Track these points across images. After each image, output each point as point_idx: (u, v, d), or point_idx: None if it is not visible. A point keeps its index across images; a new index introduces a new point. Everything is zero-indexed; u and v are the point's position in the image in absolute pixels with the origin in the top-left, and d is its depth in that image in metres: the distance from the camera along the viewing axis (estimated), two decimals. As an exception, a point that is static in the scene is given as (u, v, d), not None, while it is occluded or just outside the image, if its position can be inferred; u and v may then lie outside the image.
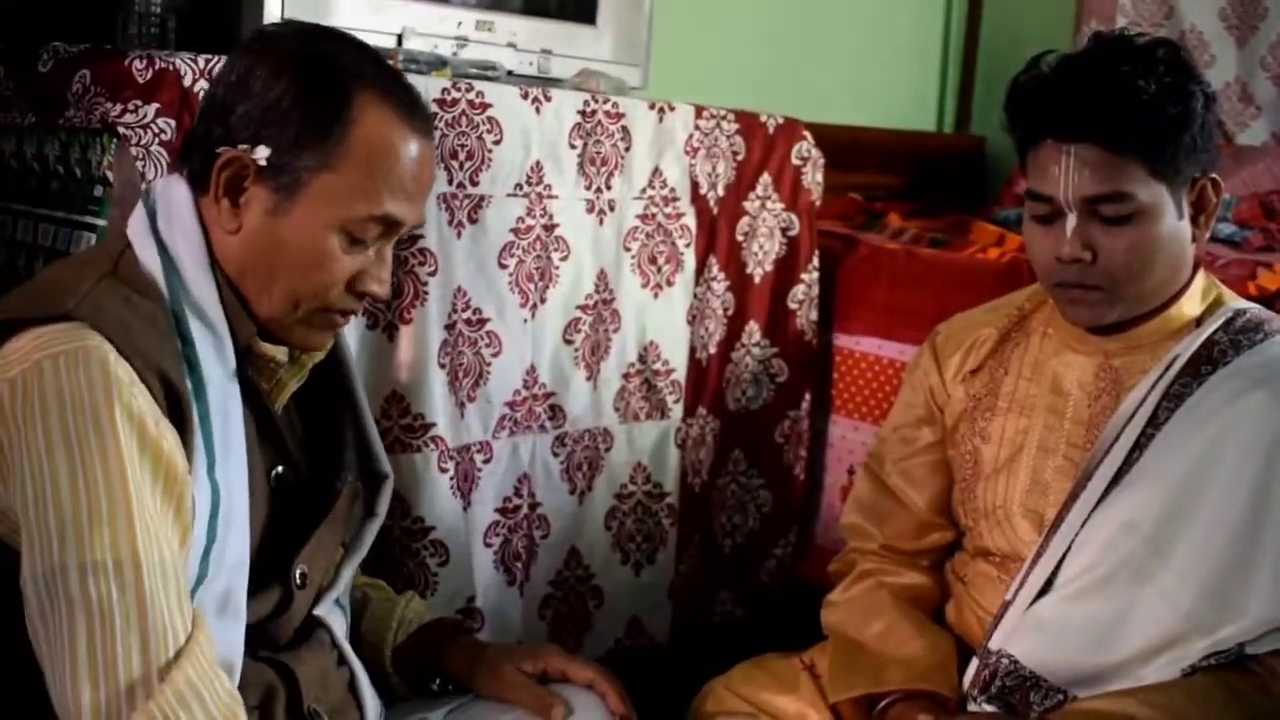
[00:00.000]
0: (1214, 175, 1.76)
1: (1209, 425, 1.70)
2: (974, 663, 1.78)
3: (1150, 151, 1.68)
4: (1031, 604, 1.75)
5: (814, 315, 2.81)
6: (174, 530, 1.27)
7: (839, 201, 3.57)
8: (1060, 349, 1.86)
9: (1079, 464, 1.79)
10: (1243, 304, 1.83)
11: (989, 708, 1.74)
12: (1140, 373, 1.79)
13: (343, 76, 1.40)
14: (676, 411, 2.56)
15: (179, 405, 1.30)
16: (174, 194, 1.43)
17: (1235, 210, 3.58)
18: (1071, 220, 1.71)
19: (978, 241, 3.25)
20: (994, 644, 1.76)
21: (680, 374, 2.56)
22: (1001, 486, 1.86)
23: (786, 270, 2.75)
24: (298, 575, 1.48)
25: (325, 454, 1.55)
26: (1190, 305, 1.81)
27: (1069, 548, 1.74)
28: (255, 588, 1.41)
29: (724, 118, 2.59)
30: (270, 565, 1.45)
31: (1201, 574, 1.66)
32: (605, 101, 2.35)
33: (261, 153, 1.37)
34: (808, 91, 3.68)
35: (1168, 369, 1.76)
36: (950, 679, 1.79)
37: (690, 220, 2.54)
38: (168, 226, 1.40)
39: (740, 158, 2.63)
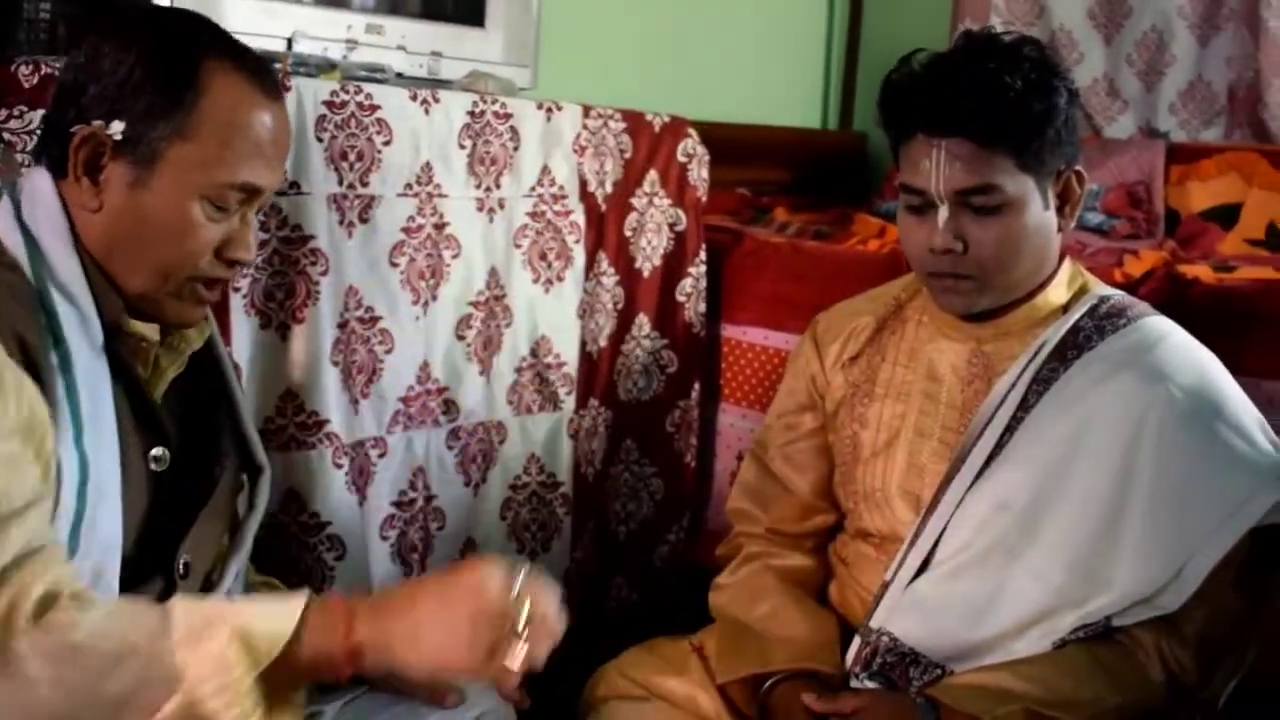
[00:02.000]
0: (1078, 168, 1.78)
1: (1076, 408, 1.72)
2: (856, 641, 1.79)
3: (1017, 145, 1.70)
4: (910, 583, 1.76)
5: (702, 307, 2.81)
6: (32, 466, 1.21)
7: (728, 197, 3.58)
8: (934, 336, 1.87)
9: (953, 447, 1.80)
10: (1107, 291, 1.86)
11: (870, 684, 1.75)
12: (1010, 358, 1.80)
13: (189, 48, 1.39)
14: (569, 403, 2.55)
15: (39, 374, 1.28)
16: (36, 182, 1.41)
17: (1103, 200, 3.63)
18: (943, 212, 1.72)
19: (860, 234, 3.27)
20: (874, 622, 1.76)
21: (572, 367, 2.55)
22: (880, 470, 1.86)
23: (674, 264, 2.74)
24: (181, 565, 1.45)
25: (204, 445, 1.52)
26: (1057, 293, 1.82)
27: (945, 528, 1.75)
28: (138, 579, 1.38)
29: (611, 117, 2.57)
30: (152, 556, 1.42)
31: (1070, 550, 1.67)
32: (494, 102, 2.33)
33: (116, 127, 1.36)
34: (696, 91, 3.67)
35: (1036, 354, 1.78)
36: (834, 658, 1.80)
37: (579, 217, 2.52)
38: (30, 212, 1.38)
39: (627, 156, 2.62)
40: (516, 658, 1.30)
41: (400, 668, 1.29)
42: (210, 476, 1.51)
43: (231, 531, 1.58)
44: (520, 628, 1.30)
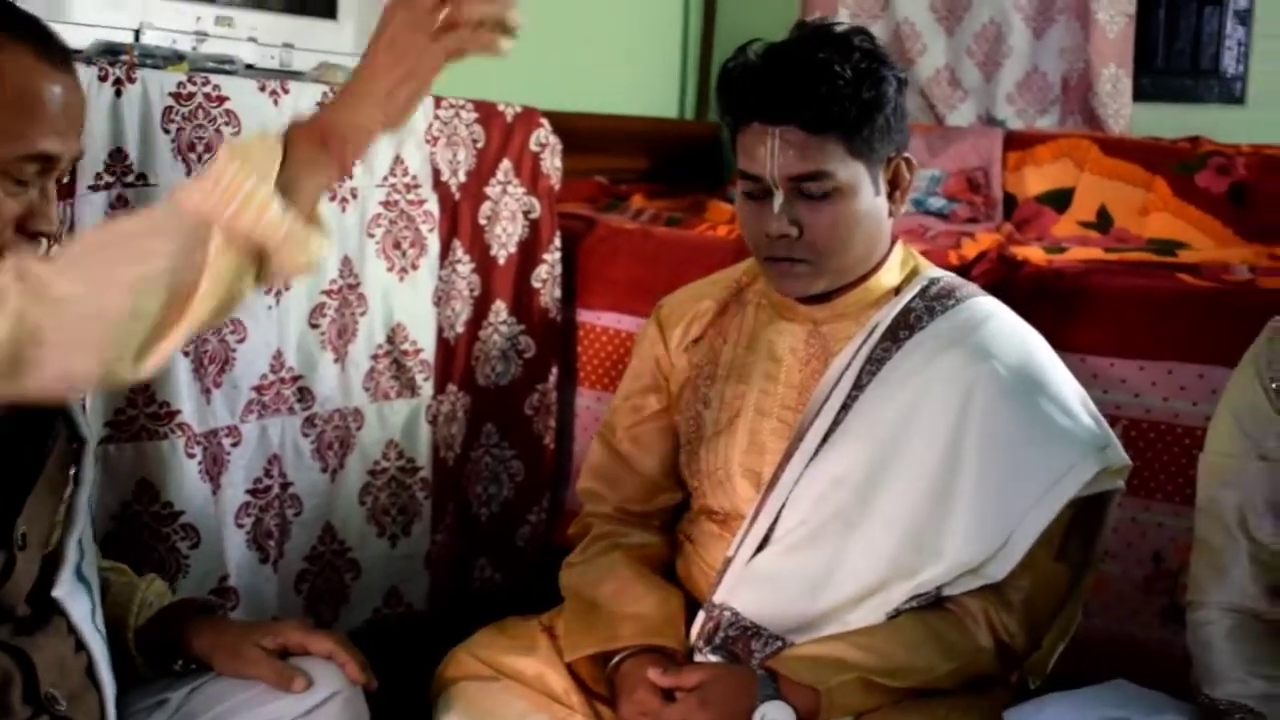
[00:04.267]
0: (907, 154, 1.78)
1: (908, 385, 1.72)
2: (700, 616, 1.78)
3: (847, 132, 1.69)
4: (751, 559, 1.75)
5: (557, 293, 2.80)
6: None
7: (586, 185, 3.56)
8: (773, 318, 1.87)
9: (793, 425, 1.79)
10: (938, 273, 1.86)
11: (714, 658, 1.74)
12: (846, 339, 1.80)
13: None
14: (427, 389, 2.52)
15: None
16: None
17: (944, 185, 3.66)
18: (778, 198, 1.71)
19: (711, 220, 3.27)
20: (718, 598, 1.75)
21: (429, 353, 2.52)
22: (722, 448, 1.85)
23: (529, 251, 2.73)
24: (19, 536, 1.39)
25: (33, 420, 1.46)
26: (889, 275, 1.82)
27: (784, 504, 1.74)
28: None
29: (463, 108, 2.55)
30: None
31: (903, 523, 1.68)
32: (344, 93, 2.28)
33: None
34: (554, 82, 3.64)
35: (870, 335, 1.78)
36: (679, 633, 1.79)
37: (433, 206, 2.50)
38: None
39: (480, 146, 2.59)
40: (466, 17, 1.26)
41: (382, 117, 1.26)
42: (42, 448, 1.45)
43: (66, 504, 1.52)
44: None
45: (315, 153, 1.24)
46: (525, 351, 2.75)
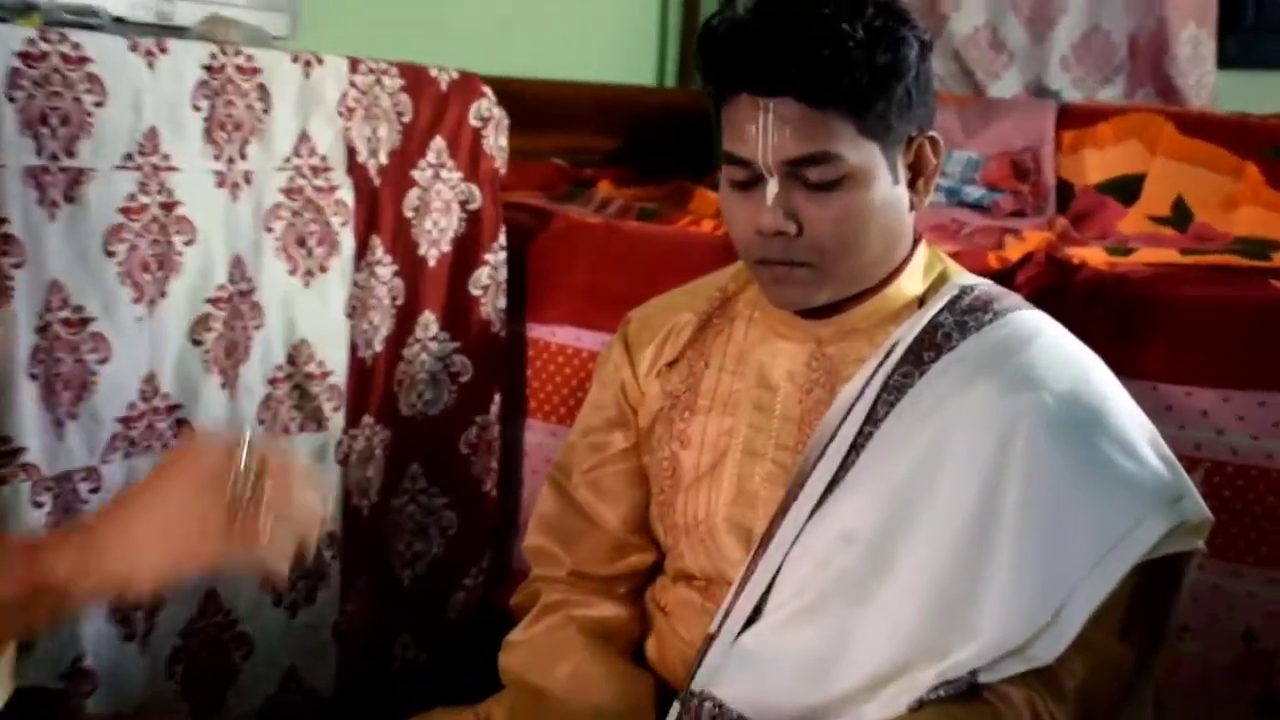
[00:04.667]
0: (932, 134, 1.78)
1: (932, 420, 1.71)
2: (674, 708, 1.77)
3: (858, 106, 1.69)
4: (739, 635, 1.74)
5: (501, 302, 2.79)
6: None
7: (539, 168, 3.57)
8: (767, 336, 1.86)
9: (790, 469, 1.79)
10: (971, 279, 1.86)
11: (692, 760, 1.73)
12: (856, 361, 1.80)
13: None
14: (336, 421, 2.52)
15: None
16: None
17: (984, 171, 3.68)
18: (772, 187, 1.71)
19: (695, 212, 3.28)
20: (697, 684, 1.75)
21: (339, 377, 2.52)
22: (704, 498, 1.85)
23: (467, 251, 2.73)
24: None
25: None
26: (911, 282, 1.82)
27: (780, 567, 1.74)
28: None
29: (385, 73, 2.55)
30: None
31: (926, 591, 1.67)
32: (237, 54, 2.29)
33: None
34: (499, 41, 3.65)
35: (887, 357, 1.77)
36: (648, 730, 1.78)
37: (347, 194, 2.49)
38: None
39: (407, 119, 2.59)
40: (263, 528, 1.29)
41: (124, 585, 1.28)
42: None
43: None
44: (252, 490, 1.29)
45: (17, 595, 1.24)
46: (460, 374, 2.75)
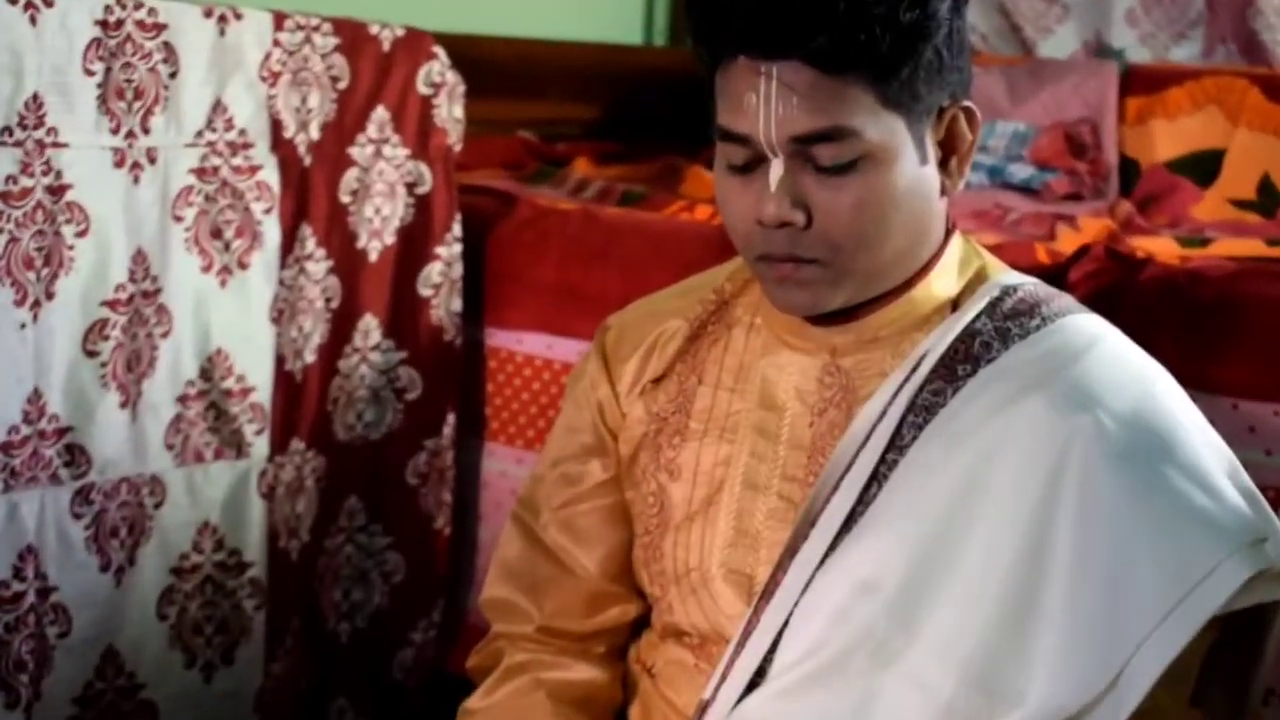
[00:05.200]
0: (968, 104, 1.78)
1: (968, 445, 1.71)
2: (662, 790, 1.78)
3: (879, 72, 1.69)
4: (739, 702, 1.74)
5: (457, 304, 2.81)
6: None
7: (503, 144, 3.58)
8: (771, 347, 1.86)
9: (799, 505, 1.79)
10: (1014, 278, 1.86)
11: None
12: (878, 376, 1.79)
13: None
14: (259, 447, 2.53)
15: None
16: None
17: (1033, 146, 3.69)
18: (776, 169, 1.71)
19: (689, 195, 3.28)
20: (689, 761, 1.75)
21: (263, 394, 2.53)
22: (696, 540, 1.85)
23: (415, 243, 2.74)
24: None
25: None
26: (943, 282, 1.82)
27: (787, 621, 1.74)
28: None
29: (317, 29, 2.56)
30: None
31: (964, 650, 1.67)
32: (138, 7, 2.29)
33: None
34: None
35: (914, 371, 1.77)
36: (630, 816, 1.79)
37: (271, 175, 2.51)
38: None
39: (343, 85, 2.61)
40: None
41: None
42: None
43: None
44: None
45: None
46: (408, 390, 2.76)
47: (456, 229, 2.78)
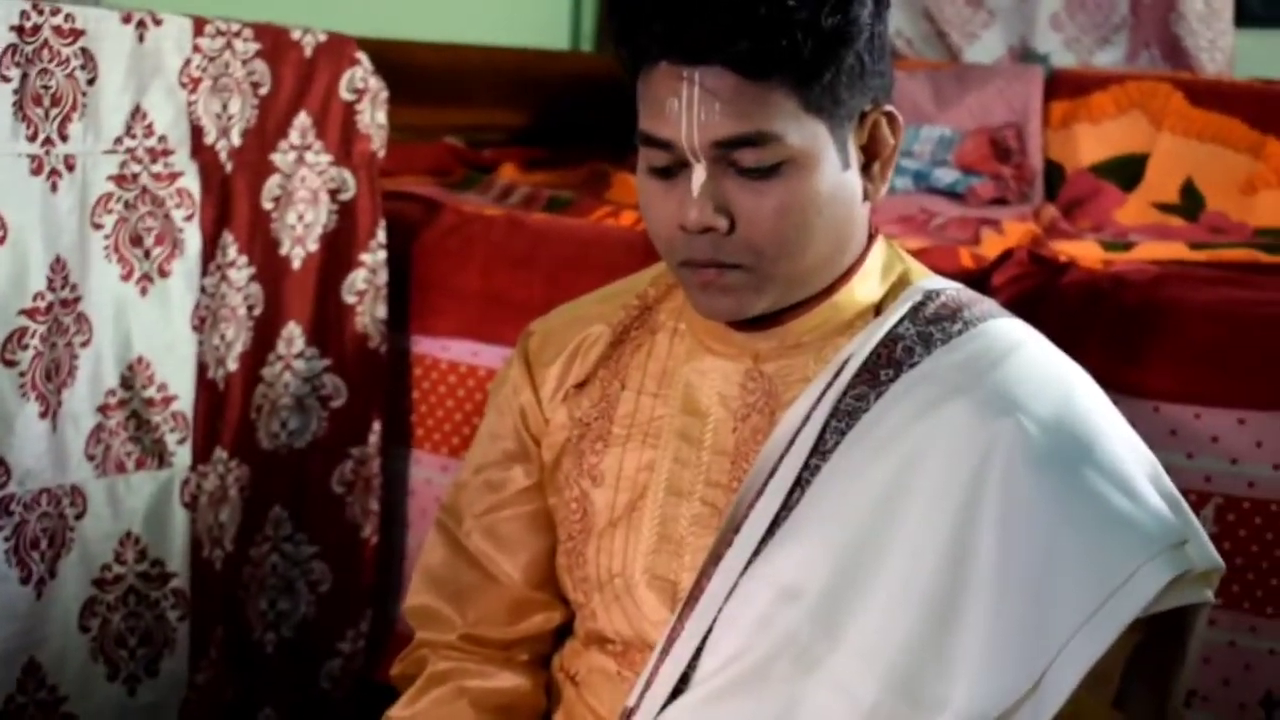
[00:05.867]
0: (889, 108, 1.78)
1: (891, 451, 1.71)
2: (586, 798, 1.77)
3: (802, 77, 1.69)
4: (663, 710, 1.74)
5: (381, 311, 2.80)
6: None
7: (429, 150, 3.58)
8: (694, 352, 1.86)
9: (723, 510, 1.79)
10: (937, 283, 1.86)
11: None
12: (801, 381, 1.80)
13: None
14: (182, 456, 2.51)
15: None
16: None
17: (959, 150, 3.71)
18: (698, 174, 1.71)
19: (615, 201, 3.29)
20: (613, 769, 1.75)
21: (185, 402, 2.51)
22: (620, 546, 1.85)
23: (339, 250, 2.73)
24: None
25: None
26: (866, 287, 1.83)
27: (711, 628, 1.73)
28: None
29: (238, 35, 2.55)
30: None
31: (887, 656, 1.67)
32: (54, 12, 2.28)
33: None
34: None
35: (837, 376, 1.77)
36: (553, 824, 1.78)
37: (192, 182, 2.49)
38: None
39: (264, 91, 2.59)
40: None
41: None
42: None
43: None
44: None
45: None
46: (332, 398, 2.76)
47: (381, 236, 2.77)
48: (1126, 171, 3.54)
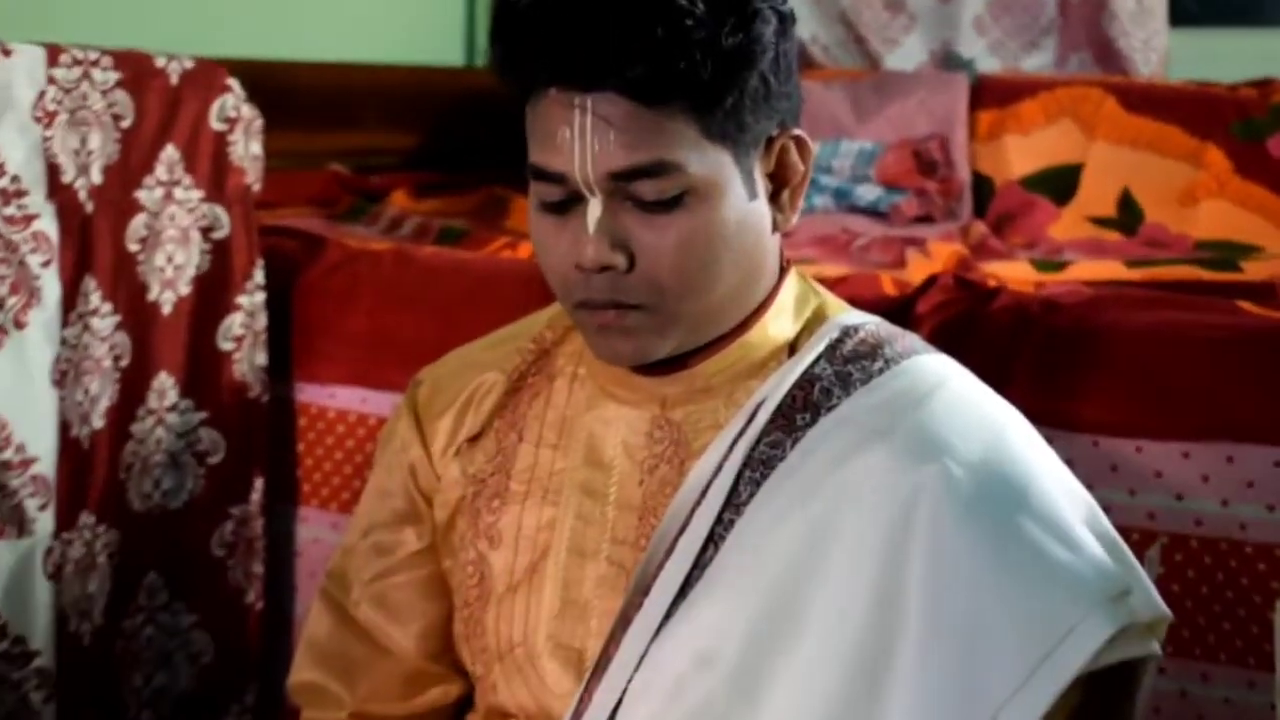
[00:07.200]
0: (798, 132, 1.79)
1: (810, 501, 1.71)
2: None
3: (702, 102, 1.68)
4: (571, 791, 1.74)
5: (261, 358, 2.79)
6: None
7: (313, 178, 3.58)
8: (596, 399, 1.86)
9: (630, 571, 1.78)
10: (855, 317, 1.86)
11: None
12: (712, 428, 1.79)
13: None
14: (44, 523, 2.48)
15: None
16: None
17: (880, 165, 3.72)
18: (594, 209, 1.70)
19: (513, 231, 3.29)
20: None
21: (46, 464, 2.48)
22: (520, 612, 1.84)
23: (213, 293, 2.72)
24: None
25: None
26: (779, 324, 1.83)
27: (620, 700, 1.73)
28: None
29: (96, 63, 2.53)
30: None
31: (811, 719, 1.67)
32: (-106, 44, 2.26)
33: None
34: (251, 13, 3.63)
35: (750, 422, 1.77)
36: None
37: (49, 224, 2.47)
38: None
39: (127, 124, 2.58)
40: None
41: None
42: None
43: None
44: None
45: None
46: (210, 454, 2.74)
47: (259, 276, 2.76)
48: (1059, 184, 3.56)
